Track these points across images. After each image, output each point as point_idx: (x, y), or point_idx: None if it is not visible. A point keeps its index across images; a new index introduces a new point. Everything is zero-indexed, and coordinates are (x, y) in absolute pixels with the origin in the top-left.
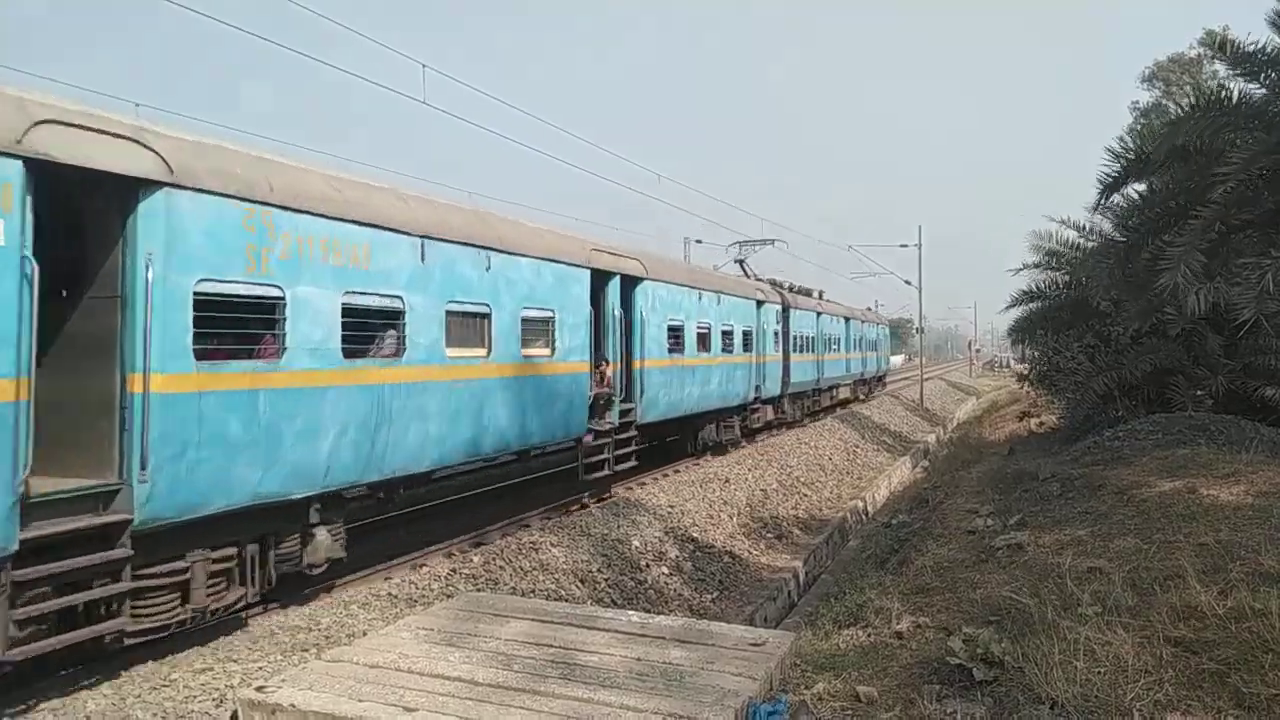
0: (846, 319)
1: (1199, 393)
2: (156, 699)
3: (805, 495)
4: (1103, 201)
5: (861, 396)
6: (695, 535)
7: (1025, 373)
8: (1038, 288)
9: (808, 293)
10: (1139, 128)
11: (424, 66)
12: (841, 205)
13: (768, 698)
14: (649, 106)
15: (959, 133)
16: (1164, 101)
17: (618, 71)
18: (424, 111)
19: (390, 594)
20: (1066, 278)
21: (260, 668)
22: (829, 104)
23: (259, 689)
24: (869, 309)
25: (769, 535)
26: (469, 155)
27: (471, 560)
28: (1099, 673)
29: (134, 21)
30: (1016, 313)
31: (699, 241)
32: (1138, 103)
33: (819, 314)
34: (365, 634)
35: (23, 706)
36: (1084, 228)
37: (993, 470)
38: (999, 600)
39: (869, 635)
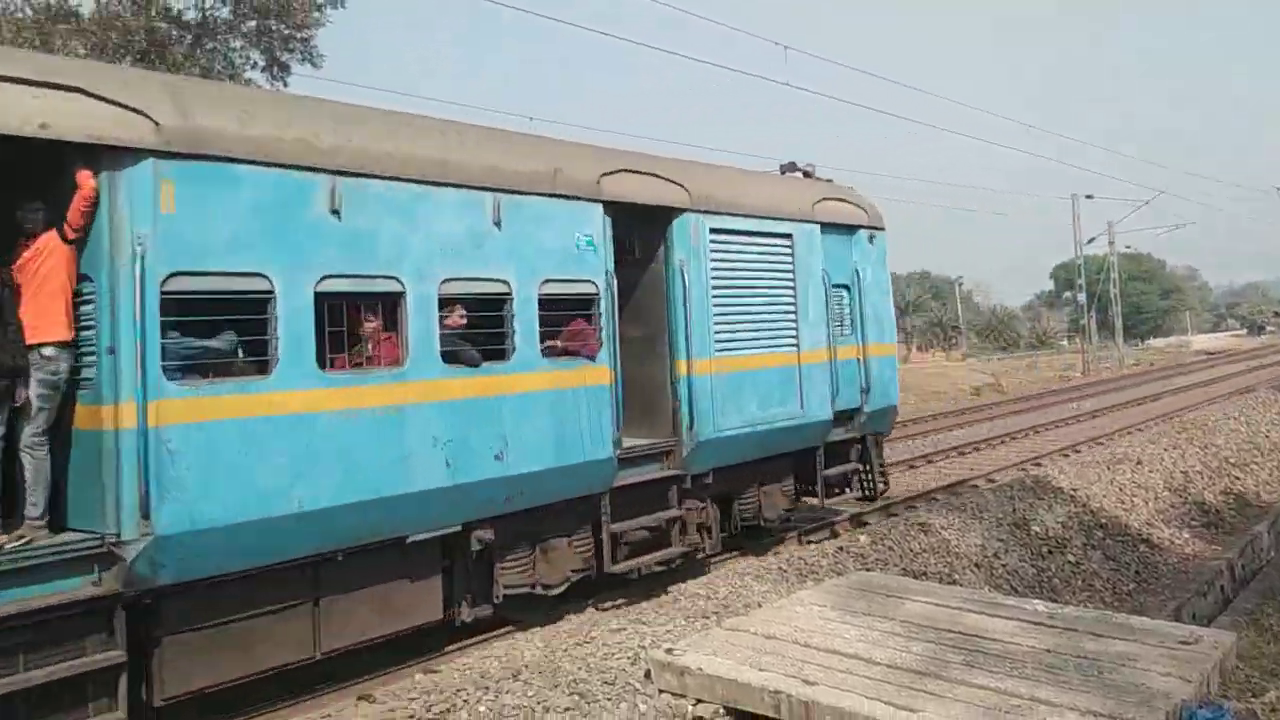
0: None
1: None
2: (580, 653)
3: (1236, 478)
4: None
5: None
6: (1104, 521)
7: None
8: None
9: None
10: None
11: (785, 49)
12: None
13: (1204, 702)
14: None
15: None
16: None
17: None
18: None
19: (780, 568)
20: None
21: (667, 630)
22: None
23: (668, 651)
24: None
25: (1193, 523)
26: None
27: (859, 540)
28: None
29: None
30: None
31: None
32: None
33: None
34: (760, 605)
35: (471, 655)
36: None
37: None
38: None
39: None
